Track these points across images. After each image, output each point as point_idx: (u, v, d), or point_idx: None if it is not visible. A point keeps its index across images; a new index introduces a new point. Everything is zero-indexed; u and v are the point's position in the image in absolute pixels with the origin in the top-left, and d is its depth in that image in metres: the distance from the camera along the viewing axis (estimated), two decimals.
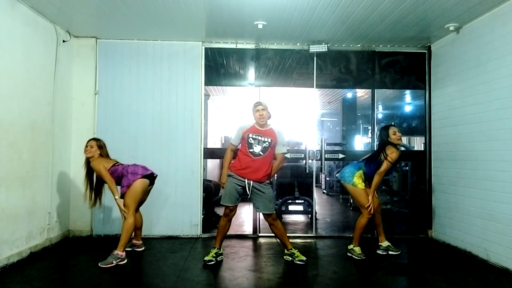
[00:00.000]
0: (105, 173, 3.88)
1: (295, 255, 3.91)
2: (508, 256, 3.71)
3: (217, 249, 3.94)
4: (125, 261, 3.80)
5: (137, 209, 4.19)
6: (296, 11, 4.07)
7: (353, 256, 4.12)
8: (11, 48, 3.79)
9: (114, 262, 3.71)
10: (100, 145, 4.05)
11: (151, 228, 5.01)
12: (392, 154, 4.01)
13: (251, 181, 3.78)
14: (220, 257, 3.98)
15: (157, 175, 4.14)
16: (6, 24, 3.70)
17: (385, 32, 4.68)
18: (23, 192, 3.97)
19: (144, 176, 3.93)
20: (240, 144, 3.94)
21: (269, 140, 3.83)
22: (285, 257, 4.02)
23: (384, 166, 4.02)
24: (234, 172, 3.84)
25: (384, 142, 4.14)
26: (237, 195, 3.82)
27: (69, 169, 4.94)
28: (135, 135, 5.07)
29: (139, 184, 3.88)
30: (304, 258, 3.89)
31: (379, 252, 4.34)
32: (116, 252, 3.76)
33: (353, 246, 4.16)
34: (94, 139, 4.11)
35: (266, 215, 3.86)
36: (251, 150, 3.81)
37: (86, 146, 4.00)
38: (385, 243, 4.34)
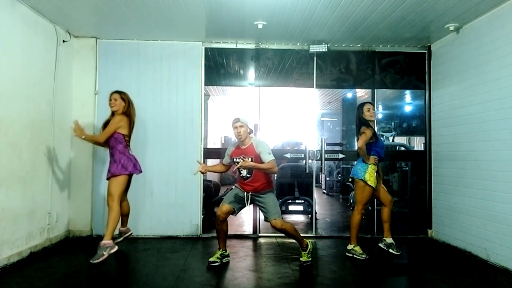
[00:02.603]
0: (110, 130, 3.81)
1: (301, 254, 3.91)
2: (508, 256, 3.71)
3: (222, 250, 3.92)
4: (116, 248, 3.75)
5: (124, 199, 4.22)
6: (296, 11, 4.07)
7: (354, 256, 4.10)
8: (11, 48, 3.79)
9: (105, 253, 3.62)
10: (124, 98, 3.96)
11: (151, 228, 5.01)
12: (365, 130, 4.10)
13: (250, 193, 3.78)
14: (226, 258, 3.94)
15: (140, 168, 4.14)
16: (6, 24, 3.70)
17: (385, 32, 4.68)
18: (23, 192, 3.97)
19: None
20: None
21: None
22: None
23: (360, 141, 4.07)
24: (237, 185, 3.91)
25: (360, 119, 4.23)
26: (236, 199, 3.81)
27: (69, 169, 4.94)
28: (135, 135, 5.02)
29: (124, 179, 3.91)
30: (306, 260, 3.86)
31: (380, 245, 4.34)
32: (103, 242, 3.67)
33: (353, 246, 4.14)
34: (117, 91, 3.99)
35: (271, 224, 3.74)
36: (240, 174, 3.80)
37: (110, 100, 3.94)
38: (390, 240, 4.30)
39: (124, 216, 4.34)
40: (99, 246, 3.69)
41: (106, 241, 3.70)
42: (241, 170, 3.75)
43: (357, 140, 4.25)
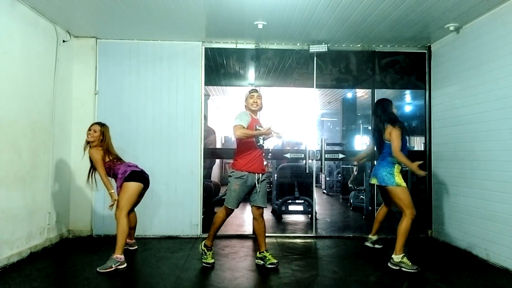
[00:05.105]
0: (100, 164, 3.84)
1: (267, 258, 3.78)
2: (508, 256, 3.71)
3: (211, 247, 3.87)
4: (125, 265, 3.71)
5: (131, 210, 4.21)
6: (296, 11, 4.07)
7: (402, 269, 3.66)
8: (11, 48, 3.79)
9: (113, 266, 3.61)
10: (104, 131, 3.96)
11: (151, 228, 5.02)
12: (396, 126, 3.83)
13: (260, 174, 3.76)
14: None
15: (148, 176, 4.08)
16: (6, 24, 3.70)
17: (385, 32, 4.68)
18: (23, 192, 3.97)
19: (136, 177, 3.89)
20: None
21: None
22: (256, 261, 3.88)
23: (396, 141, 3.74)
24: (246, 170, 3.65)
25: (390, 114, 4.00)
26: (243, 197, 3.76)
27: (69, 169, 4.94)
28: (135, 135, 5.08)
29: (134, 187, 3.85)
30: (275, 261, 3.75)
31: (367, 244, 4.34)
32: (115, 255, 3.67)
33: (402, 257, 3.69)
34: (98, 123, 4.01)
35: (259, 208, 3.75)
36: (258, 143, 3.77)
37: (89, 130, 3.92)
38: (375, 237, 4.34)
39: (131, 229, 4.30)
40: (111, 257, 3.66)
41: (118, 255, 3.67)
42: (260, 137, 3.75)
43: (379, 137, 3.97)
